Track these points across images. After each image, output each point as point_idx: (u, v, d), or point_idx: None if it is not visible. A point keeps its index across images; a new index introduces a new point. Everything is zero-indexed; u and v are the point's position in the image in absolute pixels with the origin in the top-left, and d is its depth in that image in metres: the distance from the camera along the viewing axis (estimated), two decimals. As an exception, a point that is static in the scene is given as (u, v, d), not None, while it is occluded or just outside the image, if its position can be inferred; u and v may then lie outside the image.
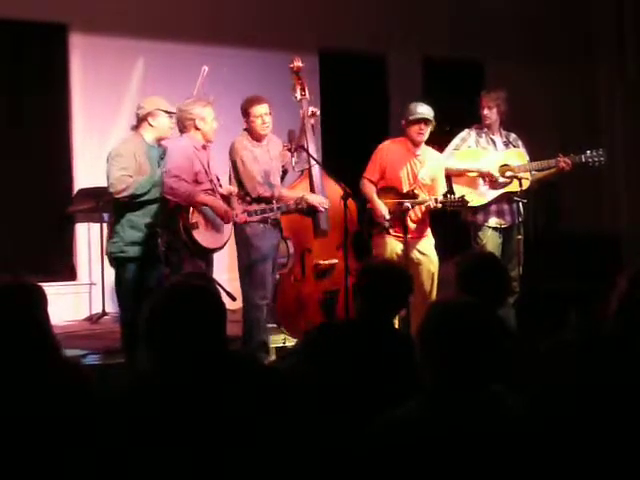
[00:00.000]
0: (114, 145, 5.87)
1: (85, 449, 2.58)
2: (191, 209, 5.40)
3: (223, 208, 5.51)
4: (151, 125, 5.69)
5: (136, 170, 5.57)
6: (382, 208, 6.16)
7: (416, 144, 6.27)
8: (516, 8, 9.70)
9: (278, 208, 5.71)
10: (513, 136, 6.60)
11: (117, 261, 5.69)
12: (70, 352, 5.68)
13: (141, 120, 5.73)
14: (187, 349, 2.55)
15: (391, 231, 6.22)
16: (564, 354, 2.74)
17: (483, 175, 6.43)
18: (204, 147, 5.55)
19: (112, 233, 5.70)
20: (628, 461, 2.52)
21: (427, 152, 6.35)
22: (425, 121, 6.19)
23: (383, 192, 6.27)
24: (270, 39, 8.62)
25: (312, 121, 6.26)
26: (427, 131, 6.23)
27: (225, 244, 5.69)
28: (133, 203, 5.55)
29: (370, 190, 6.26)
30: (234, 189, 5.76)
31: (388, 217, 6.12)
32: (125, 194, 5.54)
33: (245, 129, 5.95)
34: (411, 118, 6.20)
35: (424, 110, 6.19)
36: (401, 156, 6.29)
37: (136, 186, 5.52)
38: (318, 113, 6.32)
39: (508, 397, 2.50)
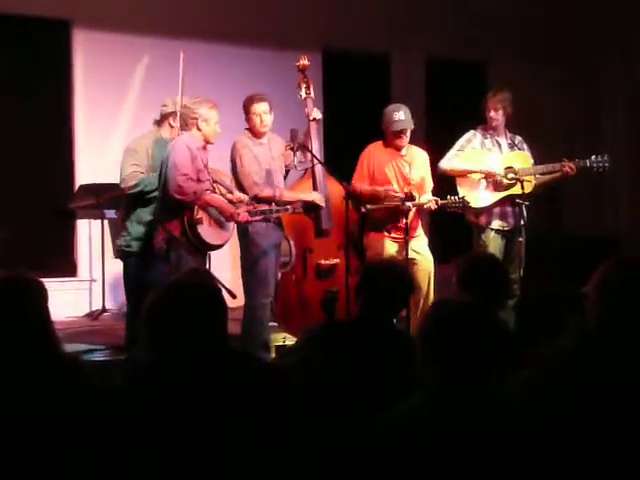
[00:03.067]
0: (129, 140, 5.95)
1: (83, 445, 2.58)
2: (196, 207, 5.39)
3: (229, 210, 5.50)
4: (171, 125, 5.75)
5: (149, 167, 5.65)
6: (381, 190, 6.17)
7: (397, 148, 6.29)
8: (519, 9, 9.71)
9: (277, 211, 5.71)
10: (519, 139, 6.59)
11: (122, 255, 5.77)
12: (75, 347, 5.72)
13: (163, 118, 5.80)
14: (187, 346, 2.55)
15: (386, 233, 6.23)
16: (562, 357, 2.74)
17: (487, 176, 6.42)
18: (204, 148, 5.53)
19: (123, 228, 5.80)
20: (624, 463, 2.52)
21: (412, 151, 6.37)
22: (405, 130, 6.21)
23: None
24: (274, 38, 8.63)
25: (316, 124, 6.27)
26: (407, 137, 6.26)
27: (226, 242, 5.69)
28: (142, 199, 5.63)
29: (364, 186, 6.24)
30: (245, 197, 5.75)
31: (403, 195, 6.11)
32: (135, 190, 5.64)
33: (247, 128, 5.95)
34: (392, 129, 6.22)
35: (402, 117, 6.21)
36: (386, 158, 6.32)
37: (146, 183, 5.62)
38: (321, 117, 6.32)
39: (507, 398, 2.50)
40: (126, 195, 5.78)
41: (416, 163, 6.33)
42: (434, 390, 2.43)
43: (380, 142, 6.39)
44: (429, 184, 6.42)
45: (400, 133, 6.23)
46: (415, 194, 6.21)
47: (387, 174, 6.28)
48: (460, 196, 6.22)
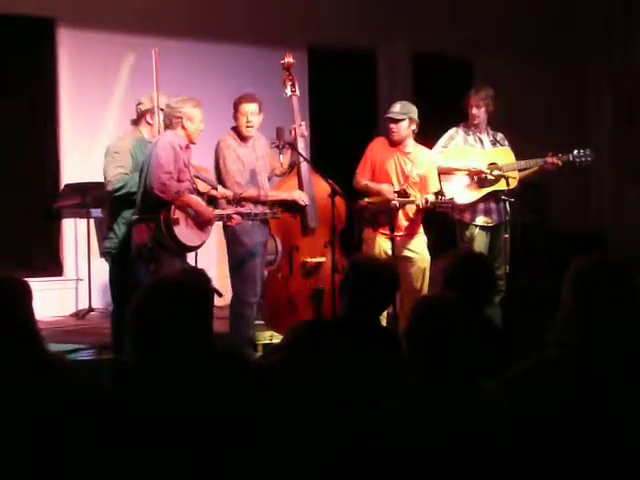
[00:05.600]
0: (112, 140, 5.91)
1: (67, 444, 2.57)
2: (172, 207, 5.35)
3: (207, 215, 5.48)
4: (149, 123, 5.73)
5: (133, 167, 5.62)
6: (384, 186, 6.17)
7: (392, 143, 6.28)
8: (505, 6, 9.71)
9: (256, 215, 5.74)
10: (500, 135, 6.61)
11: (110, 257, 5.74)
12: (61, 347, 5.71)
13: (140, 116, 5.78)
14: (171, 345, 2.55)
15: (381, 229, 6.22)
16: (546, 356, 2.75)
17: (472, 173, 6.43)
18: (187, 147, 5.51)
19: (109, 230, 5.76)
20: (608, 460, 2.53)
21: (418, 150, 6.35)
22: (392, 120, 6.21)
23: None
24: (259, 35, 8.61)
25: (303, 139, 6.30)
26: (400, 129, 6.22)
27: (203, 243, 5.63)
28: (128, 200, 5.60)
29: (363, 181, 6.26)
30: (229, 193, 5.75)
31: (394, 192, 6.13)
32: (122, 192, 5.63)
33: (233, 127, 5.94)
34: (385, 119, 6.29)
35: (396, 109, 6.23)
36: (389, 153, 6.30)
37: (132, 183, 5.59)
38: (307, 134, 6.34)
39: (493, 394, 2.50)
40: (112, 197, 5.75)
41: (418, 162, 6.30)
42: (418, 388, 2.43)
43: (387, 137, 6.39)
44: (433, 185, 6.34)
45: (389, 122, 6.23)
46: (410, 192, 6.21)
47: (388, 169, 6.27)
48: (449, 198, 6.22)
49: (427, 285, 6.24)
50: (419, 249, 6.30)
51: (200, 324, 2.63)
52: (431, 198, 6.15)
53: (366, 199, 6.17)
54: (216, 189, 5.72)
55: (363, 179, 6.28)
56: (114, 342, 5.63)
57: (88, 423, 2.56)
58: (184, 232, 5.38)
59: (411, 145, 6.31)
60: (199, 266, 6.14)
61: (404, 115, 6.20)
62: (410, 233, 6.27)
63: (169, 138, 5.39)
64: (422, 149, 6.38)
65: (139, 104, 5.84)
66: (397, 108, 6.24)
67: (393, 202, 6.10)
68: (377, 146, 6.36)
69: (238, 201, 5.80)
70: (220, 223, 5.78)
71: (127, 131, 5.95)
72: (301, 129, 6.26)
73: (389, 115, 6.23)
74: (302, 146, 6.23)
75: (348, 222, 6.38)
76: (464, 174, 6.46)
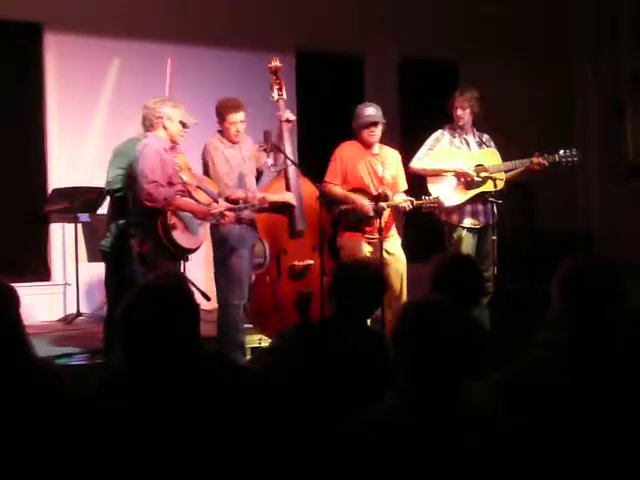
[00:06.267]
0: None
1: (54, 448, 2.57)
2: (168, 212, 5.37)
3: (201, 210, 5.49)
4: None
5: None
6: (363, 201, 6.17)
7: (369, 146, 6.30)
8: (490, 9, 9.73)
9: (245, 208, 5.73)
10: (486, 136, 6.63)
11: (104, 256, 5.79)
12: (50, 351, 5.70)
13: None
14: (158, 349, 2.55)
15: (360, 233, 6.23)
16: (533, 358, 2.76)
17: (459, 175, 6.45)
18: (172, 149, 5.51)
19: (107, 230, 5.78)
20: (598, 461, 2.54)
21: (384, 150, 6.40)
22: (375, 123, 6.23)
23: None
24: (247, 39, 8.62)
25: (289, 125, 6.29)
26: (378, 132, 6.28)
27: (199, 246, 5.68)
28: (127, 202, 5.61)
29: (338, 189, 6.25)
30: (228, 209, 5.73)
31: (371, 206, 6.11)
32: (120, 193, 5.64)
33: (219, 131, 5.95)
34: (361, 122, 6.26)
35: (372, 112, 6.26)
36: (359, 156, 6.33)
37: None
38: (294, 118, 6.35)
39: (481, 397, 2.51)
40: (111, 198, 5.78)
41: (388, 162, 6.35)
42: (406, 390, 2.43)
43: (353, 141, 6.40)
44: (402, 184, 6.44)
45: (371, 126, 6.24)
46: (389, 193, 6.23)
47: (360, 172, 6.29)
48: (435, 197, 6.25)
49: (405, 285, 6.25)
50: (395, 250, 6.32)
51: (187, 327, 2.63)
52: (415, 200, 6.18)
53: (342, 206, 6.19)
54: (217, 202, 5.69)
55: (335, 186, 6.26)
56: (105, 346, 5.62)
57: (77, 427, 2.55)
58: (181, 236, 5.41)
59: (377, 147, 6.35)
60: (187, 269, 6.15)
61: (383, 119, 6.24)
62: (385, 235, 6.27)
63: (152, 146, 5.37)
64: (387, 149, 6.43)
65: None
66: (373, 111, 6.26)
67: (380, 205, 6.09)
68: (346, 150, 6.36)
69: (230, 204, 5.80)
70: (207, 225, 5.78)
71: (134, 135, 5.93)
72: (288, 125, 6.26)
73: (372, 119, 6.23)
74: (289, 149, 6.23)
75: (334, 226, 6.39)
76: (451, 175, 6.47)
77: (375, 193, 6.22)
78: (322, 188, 5.97)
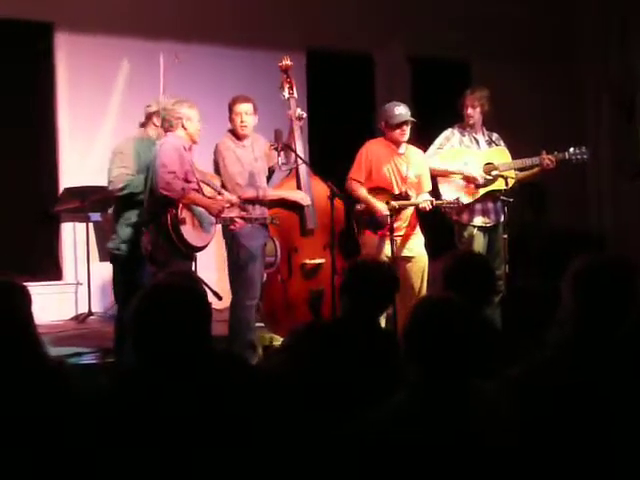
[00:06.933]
0: (111, 143, 5.94)
1: (64, 448, 2.57)
2: (180, 206, 5.39)
3: (216, 206, 5.52)
4: (155, 124, 5.76)
5: (138, 168, 5.64)
6: (380, 205, 6.14)
7: (397, 145, 6.27)
8: (502, 8, 9.71)
9: (256, 219, 5.83)
10: (495, 135, 6.61)
11: (112, 258, 5.77)
12: (61, 351, 5.71)
13: (147, 118, 5.81)
14: (170, 349, 2.55)
15: (380, 232, 6.21)
16: (545, 356, 2.75)
17: (468, 180, 6.44)
18: (190, 148, 5.55)
19: (113, 231, 5.81)
20: (607, 460, 2.53)
21: (410, 150, 6.36)
22: (406, 122, 6.20)
23: (374, 193, 6.23)
24: (257, 38, 8.62)
25: (300, 123, 6.30)
26: (408, 131, 6.24)
27: (208, 244, 5.67)
28: (131, 201, 5.62)
29: (361, 191, 6.23)
30: (234, 199, 5.76)
31: (388, 213, 6.09)
32: (124, 192, 5.65)
33: (229, 130, 5.96)
34: (393, 122, 6.20)
35: (403, 111, 6.20)
36: (385, 155, 6.28)
37: (135, 184, 5.62)
38: (305, 116, 6.35)
39: (492, 395, 2.51)
40: (115, 198, 5.78)
41: (413, 162, 6.30)
42: (418, 387, 2.43)
43: (379, 139, 6.37)
44: (426, 184, 6.38)
45: (402, 125, 6.19)
46: (411, 193, 6.22)
47: (385, 173, 6.25)
48: (455, 198, 6.23)
49: (426, 284, 6.24)
50: (417, 248, 6.30)
51: (199, 326, 2.63)
52: (435, 200, 6.17)
53: (358, 205, 6.18)
54: (221, 195, 5.72)
55: (359, 185, 6.23)
56: (116, 345, 5.63)
57: (89, 427, 2.56)
58: (190, 233, 5.43)
59: (403, 146, 6.31)
60: (199, 269, 6.15)
61: (412, 118, 6.21)
62: (408, 233, 6.26)
63: (172, 142, 5.44)
64: (414, 149, 6.38)
65: (147, 106, 5.89)
66: (404, 110, 6.20)
67: (392, 204, 6.07)
68: (372, 149, 6.32)
69: (242, 204, 5.81)
70: (219, 226, 5.80)
71: (135, 133, 5.96)
72: (299, 124, 6.27)
73: (404, 119, 6.17)
74: (300, 148, 6.23)
75: (347, 224, 6.38)
76: (460, 178, 6.46)
77: (397, 192, 6.21)
78: (346, 184, 6.09)
